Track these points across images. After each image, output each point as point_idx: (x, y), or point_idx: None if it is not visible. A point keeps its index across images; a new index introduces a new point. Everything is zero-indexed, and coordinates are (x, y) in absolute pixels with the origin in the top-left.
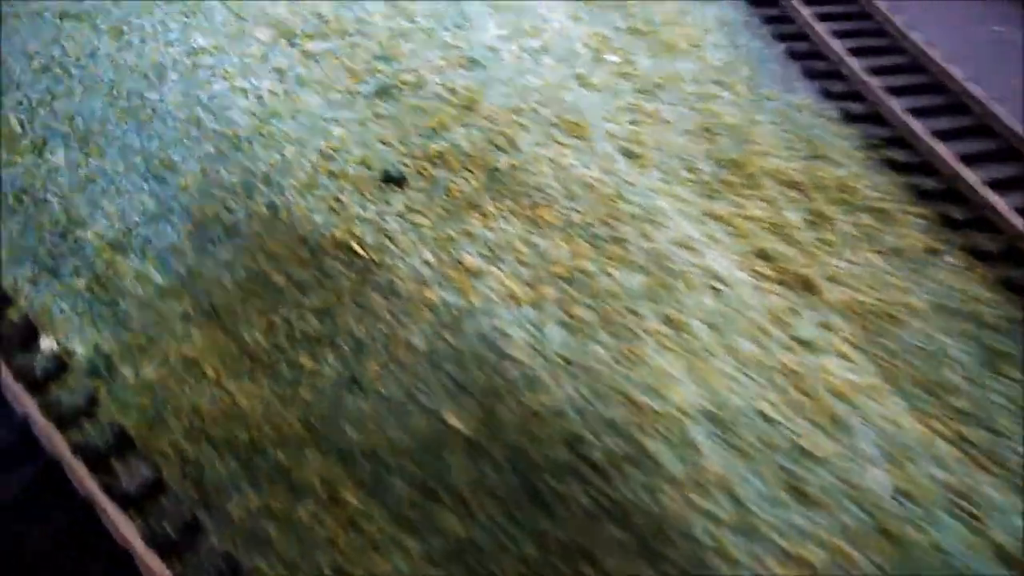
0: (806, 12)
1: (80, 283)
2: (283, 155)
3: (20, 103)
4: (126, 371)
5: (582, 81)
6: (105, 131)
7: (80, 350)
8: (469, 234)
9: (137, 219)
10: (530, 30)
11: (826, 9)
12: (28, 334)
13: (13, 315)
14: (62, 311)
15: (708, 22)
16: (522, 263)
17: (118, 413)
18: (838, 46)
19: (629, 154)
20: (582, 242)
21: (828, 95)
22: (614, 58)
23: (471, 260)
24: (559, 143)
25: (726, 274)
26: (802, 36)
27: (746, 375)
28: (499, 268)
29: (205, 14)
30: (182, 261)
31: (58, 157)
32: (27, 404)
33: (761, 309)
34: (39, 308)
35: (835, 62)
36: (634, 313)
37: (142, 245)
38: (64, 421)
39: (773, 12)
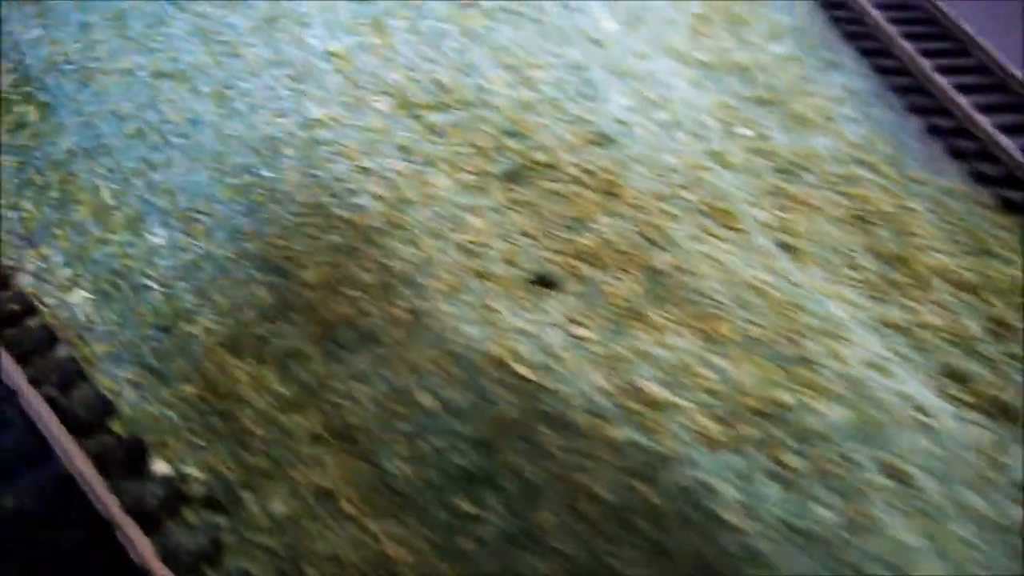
0: (944, 83)
1: (190, 389)
2: (421, 250)
3: (112, 171)
4: (251, 503)
5: (719, 159)
6: (212, 210)
7: (197, 475)
8: (641, 352)
9: (252, 315)
10: (656, 100)
11: (968, 79)
12: (136, 454)
13: (117, 427)
14: (172, 424)
15: (836, 91)
16: (709, 392)
17: (246, 559)
18: (986, 122)
19: (786, 247)
20: (768, 364)
21: (980, 178)
22: (746, 131)
23: (651, 388)
24: (713, 235)
25: (927, 403)
26: (943, 111)
27: (985, 540)
28: (684, 399)
29: (317, 79)
30: (308, 369)
31: (157, 236)
32: (143, 547)
33: (970, 447)
34: (145, 419)
35: (984, 141)
36: (849, 460)
37: (259, 346)
38: (185, 569)
39: (906, 82)
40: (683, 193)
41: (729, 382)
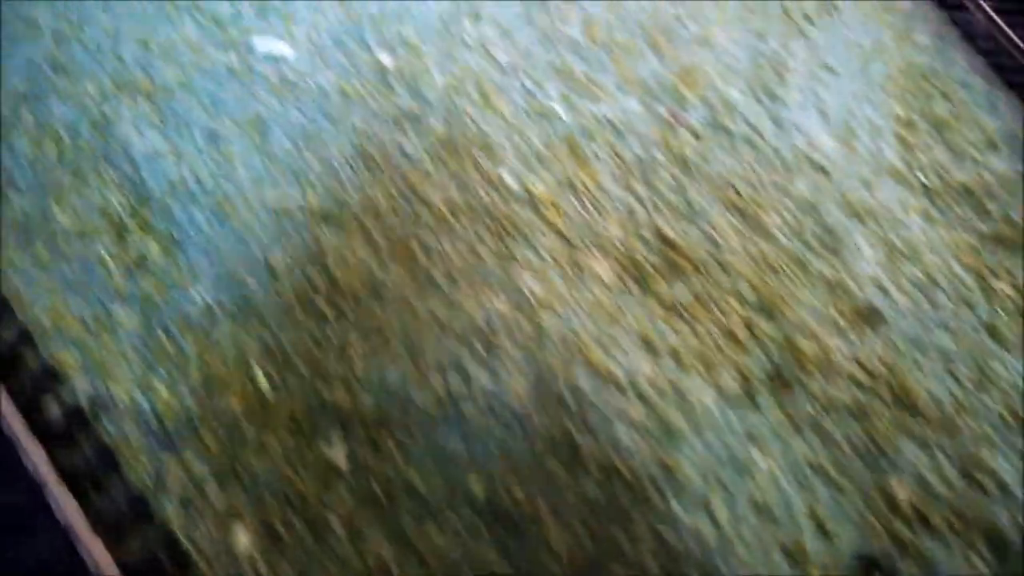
0: None
1: None
2: (711, 515)
3: (267, 345)
4: None
5: (994, 335)
6: (408, 421)
7: None
8: None
9: None
10: (901, 247)
11: None
12: None
13: None
14: None
15: None
16: None
17: None
18: None
19: None
20: None
21: None
22: (1004, 287)
23: None
24: None
25: None
26: None
27: None
28: None
29: (522, 235)
30: None
31: (336, 450)
32: None
33: None
34: None
35: None
36: None
37: None
38: None
39: None
40: (982, 398)
41: None
